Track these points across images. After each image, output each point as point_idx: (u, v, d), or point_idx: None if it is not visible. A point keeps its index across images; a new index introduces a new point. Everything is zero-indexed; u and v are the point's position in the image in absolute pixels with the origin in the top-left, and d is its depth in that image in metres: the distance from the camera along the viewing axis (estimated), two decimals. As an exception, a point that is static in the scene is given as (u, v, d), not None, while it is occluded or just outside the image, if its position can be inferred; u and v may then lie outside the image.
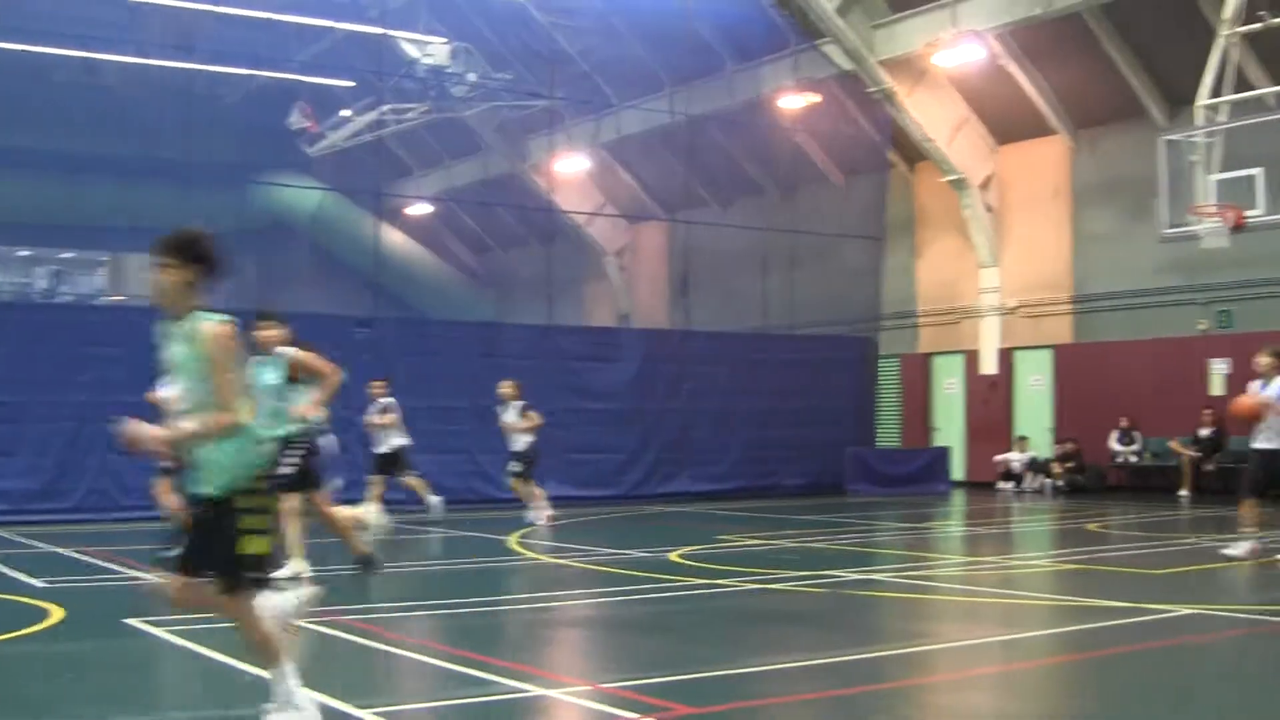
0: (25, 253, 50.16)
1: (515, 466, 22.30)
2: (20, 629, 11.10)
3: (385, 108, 34.28)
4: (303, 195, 40.98)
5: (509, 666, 9.52)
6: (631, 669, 9.65)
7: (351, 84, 37.33)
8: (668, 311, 37.24)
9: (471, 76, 35.19)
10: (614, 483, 27.38)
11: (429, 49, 34.64)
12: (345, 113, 37.76)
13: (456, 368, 25.85)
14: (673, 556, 16.82)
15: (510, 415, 22.25)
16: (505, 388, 22.35)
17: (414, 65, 34.72)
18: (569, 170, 39.13)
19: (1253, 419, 15.76)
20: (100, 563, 16.38)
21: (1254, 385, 15.93)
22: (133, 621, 11.23)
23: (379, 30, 28.86)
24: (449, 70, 35.05)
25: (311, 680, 8.59)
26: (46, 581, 14.27)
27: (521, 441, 22.16)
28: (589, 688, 8.91)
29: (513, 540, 19.15)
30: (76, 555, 17.16)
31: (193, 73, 24.60)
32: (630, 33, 34.87)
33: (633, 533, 21.38)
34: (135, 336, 22.86)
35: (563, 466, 26.48)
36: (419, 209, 44.65)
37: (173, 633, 10.69)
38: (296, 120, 37.27)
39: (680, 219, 34.00)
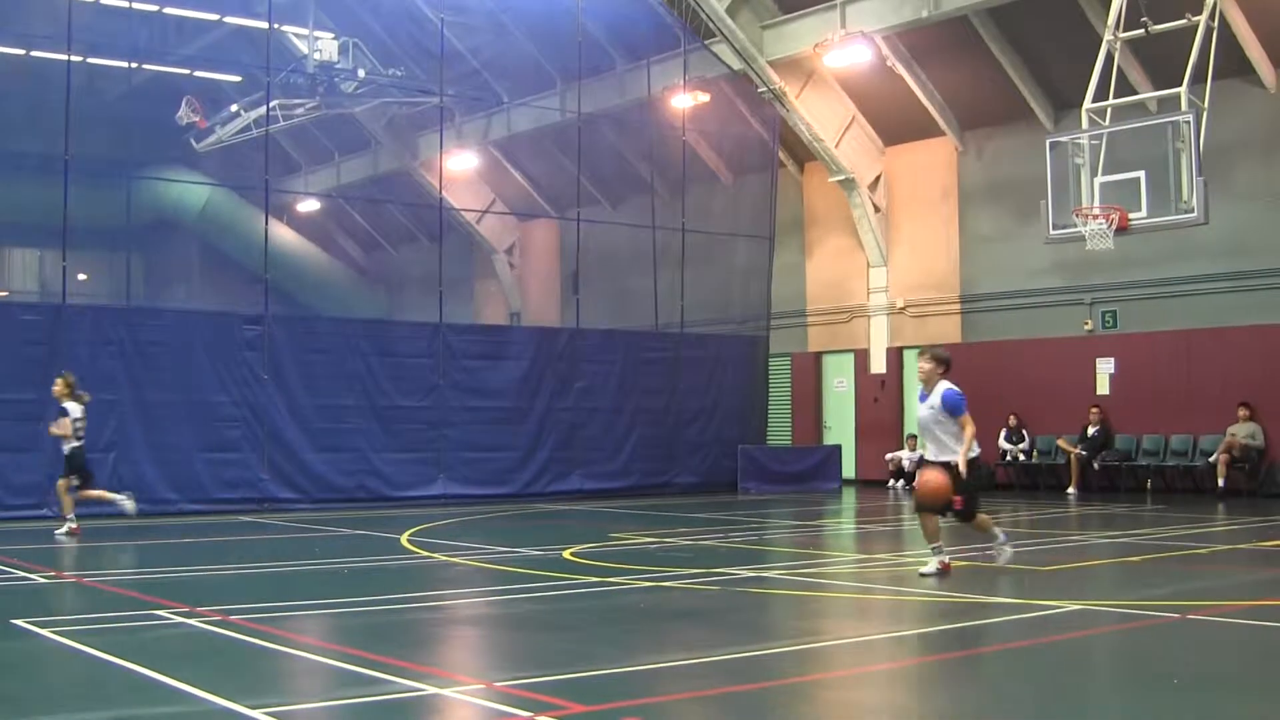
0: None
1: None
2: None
3: (274, 103, 33.98)
4: (190, 191, 40.52)
5: (402, 665, 9.47)
6: (525, 667, 9.63)
7: (239, 79, 36.98)
8: (559, 309, 37.24)
9: (361, 72, 35.01)
10: (506, 481, 27.35)
11: (318, 44, 34.40)
12: (234, 108, 37.40)
13: (346, 365, 25.74)
14: (566, 554, 16.83)
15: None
16: (58, 386, 20.05)
17: (303, 61, 34.46)
18: (459, 167, 39.00)
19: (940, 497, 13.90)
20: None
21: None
22: (20, 622, 11.08)
23: (267, 25, 28.61)
24: (338, 66, 34.84)
25: (202, 680, 8.56)
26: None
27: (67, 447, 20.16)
28: (483, 686, 8.87)
29: (404, 539, 19.08)
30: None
31: (72, 65, 24.23)
32: (520, 31, 34.83)
33: (525, 531, 21.37)
34: (23, 334, 22.71)
35: (456, 465, 26.46)
36: (308, 205, 44.33)
37: (61, 633, 10.57)
38: (184, 115, 36.88)
39: (570, 217, 34.00)
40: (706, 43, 31.29)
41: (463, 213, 39.07)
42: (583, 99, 30.60)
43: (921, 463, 14.76)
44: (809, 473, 30.87)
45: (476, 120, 38.36)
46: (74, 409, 19.76)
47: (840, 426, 33.99)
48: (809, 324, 34.48)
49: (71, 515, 19.69)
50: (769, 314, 32.46)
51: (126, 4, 30.73)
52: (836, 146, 31.34)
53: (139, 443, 23.45)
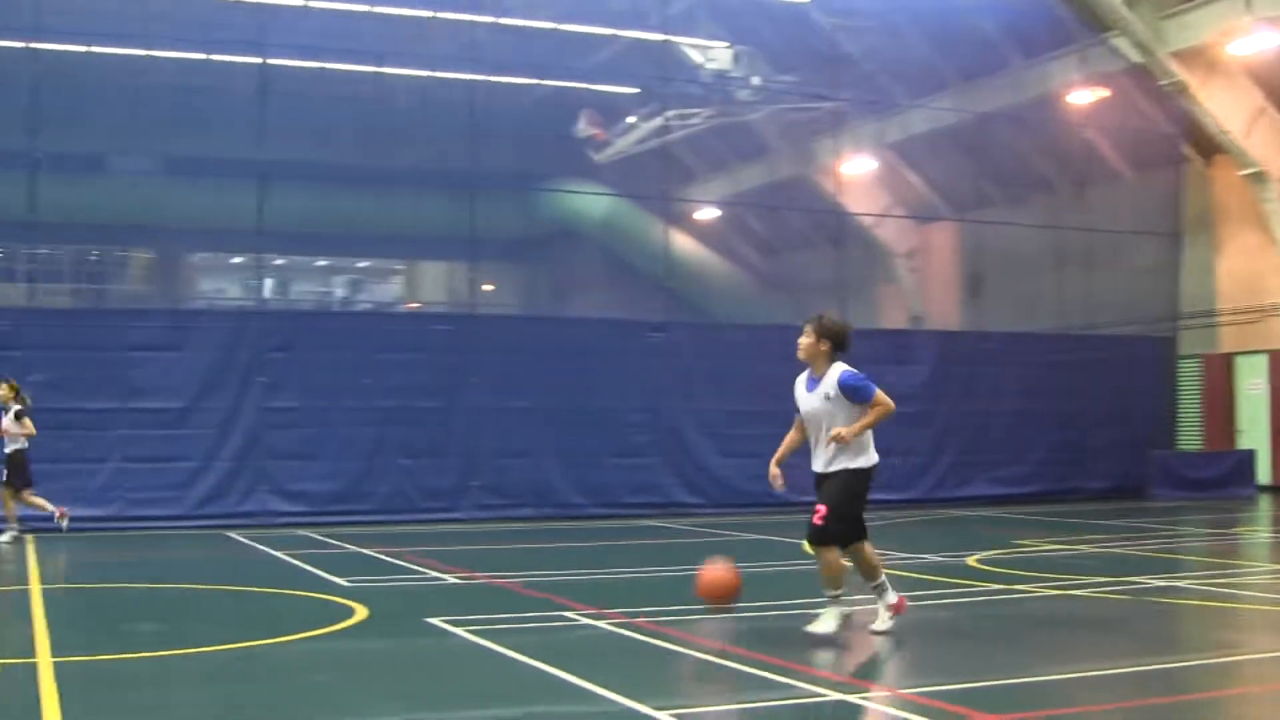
0: (324, 262, 51.73)
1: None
2: (327, 626, 11.34)
3: (670, 113, 34.37)
4: (592, 202, 41.37)
5: (805, 670, 9.35)
6: (930, 674, 9.42)
7: (635, 91, 37.55)
8: (960, 312, 36.58)
9: (755, 80, 35.08)
10: (910, 486, 26.95)
11: (711, 54, 34.65)
12: (630, 119, 38.01)
13: (750, 371, 25.72)
14: (970, 561, 16.47)
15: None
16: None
17: (697, 71, 34.76)
18: (856, 172, 38.71)
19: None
20: (401, 563, 16.70)
21: None
22: (435, 620, 11.39)
23: (661, 37, 28.94)
24: (732, 74, 35.00)
25: (608, 680, 8.59)
26: (351, 581, 14.60)
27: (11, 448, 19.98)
28: (887, 693, 8.70)
29: (808, 544, 18.94)
30: (378, 556, 17.53)
31: (477, 84, 25.00)
32: (913, 31, 34.34)
33: (929, 537, 21.01)
34: (431, 342, 23.52)
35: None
36: (706, 213, 44.72)
37: (473, 632, 10.80)
38: (584, 128, 37.66)
39: (969, 219, 33.36)
40: (1104, 36, 30.27)
41: (860, 217, 38.80)
42: (978, 98, 30.01)
43: None
44: (1222, 479, 29.49)
45: (871, 124, 38.01)
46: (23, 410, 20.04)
47: (1254, 431, 32.37)
48: (1220, 324, 32.94)
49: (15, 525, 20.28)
50: (1177, 314, 31.22)
51: (526, 23, 31.55)
52: (1245, 138, 29.88)
53: (548, 449, 23.99)
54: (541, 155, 36.41)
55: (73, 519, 20.13)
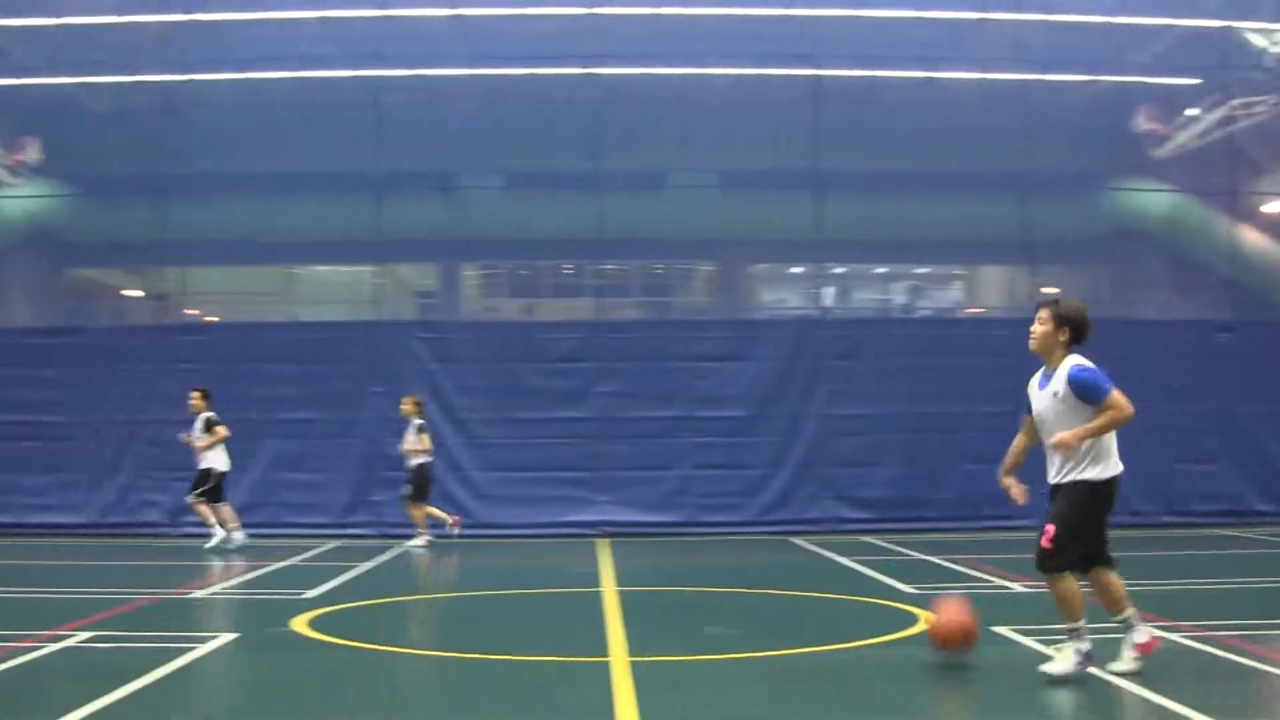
0: (882, 270, 51.95)
1: (405, 489, 21.21)
2: (891, 633, 11.46)
3: (1234, 102, 32.91)
4: (1152, 199, 40.05)
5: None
6: None
7: (1195, 81, 36.14)
8: None
9: (1323, 63, 33.18)
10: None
11: (1276, 37, 32.98)
12: (1191, 111, 36.59)
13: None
14: None
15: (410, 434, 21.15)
16: (405, 404, 21.33)
17: (1261, 55, 33.16)
18: None
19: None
20: (966, 570, 16.66)
21: None
22: (1001, 630, 11.33)
23: (1220, 23, 27.75)
24: (1298, 59, 33.24)
25: (1178, 695, 8.36)
26: (916, 588, 14.67)
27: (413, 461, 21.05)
28: None
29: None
30: (942, 563, 17.54)
31: (1029, 84, 24.63)
32: None
33: None
34: (995, 348, 23.30)
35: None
36: (1276, 207, 42.55)
37: (1040, 641, 10.69)
38: (1142, 123, 36.53)
39: None
40: None
41: None
42: None
43: None
44: None
45: None
46: (425, 426, 21.13)
47: None
48: None
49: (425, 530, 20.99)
50: None
51: (1077, 18, 30.85)
52: None
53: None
54: (1098, 153, 35.47)
55: (643, 524, 21.06)
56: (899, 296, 51.14)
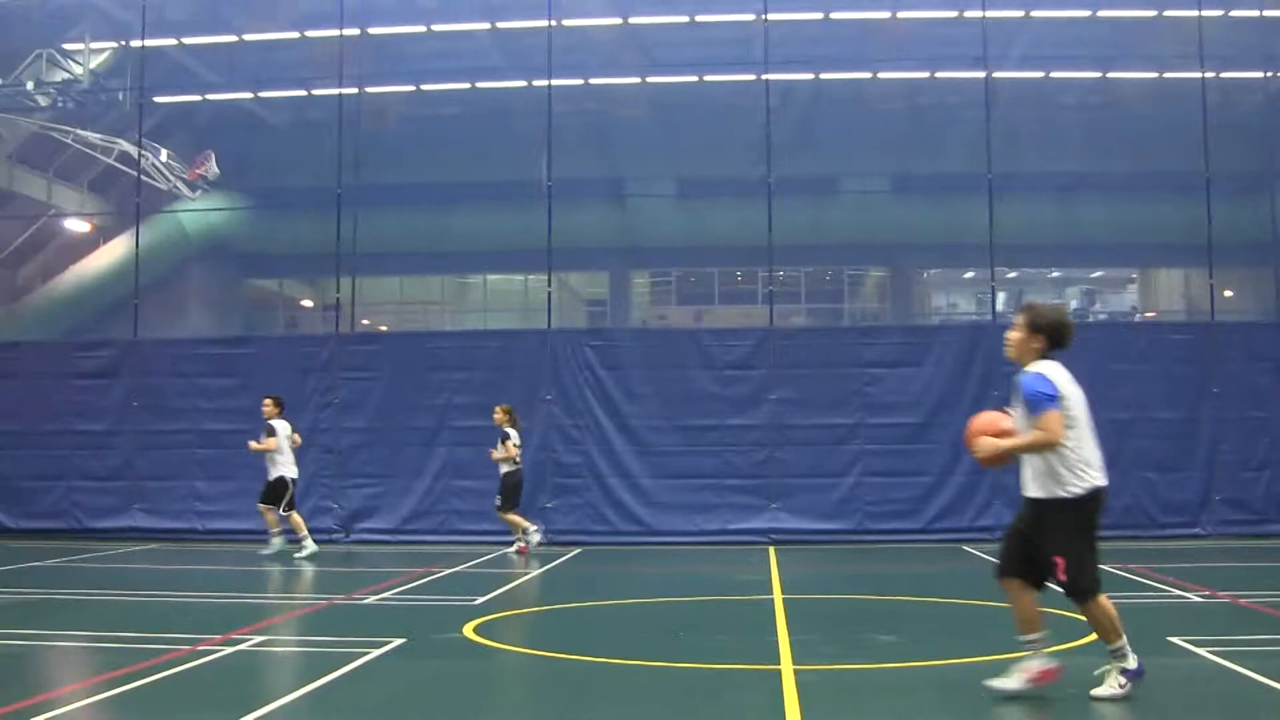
0: (1056, 274, 51.26)
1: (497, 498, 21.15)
2: (1066, 643, 11.25)
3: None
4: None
5: None
6: None
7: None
8: None
9: None
10: None
11: None
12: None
13: None
14: None
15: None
16: (496, 414, 21.33)
17: None
18: None
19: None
20: (1141, 579, 16.34)
21: None
22: (1176, 640, 11.09)
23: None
24: None
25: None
26: (1087, 598, 14.40)
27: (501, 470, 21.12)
28: None
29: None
30: (1117, 571, 17.22)
31: (1208, 82, 24.09)
32: None
33: None
34: (1171, 353, 22.80)
35: None
36: None
37: (1216, 653, 10.46)
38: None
39: None
40: None
41: None
42: None
43: None
44: None
45: None
46: (514, 435, 21.02)
47: None
48: None
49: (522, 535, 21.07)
50: None
51: (1259, 14, 30.14)
52: None
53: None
54: (1278, 152, 34.71)
55: (813, 532, 20.95)
56: (1073, 301, 50.38)
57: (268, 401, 21.02)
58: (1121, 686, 8.91)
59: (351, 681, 9.97)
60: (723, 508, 22.78)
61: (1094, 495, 8.95)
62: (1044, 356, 9.19)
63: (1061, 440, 8.82)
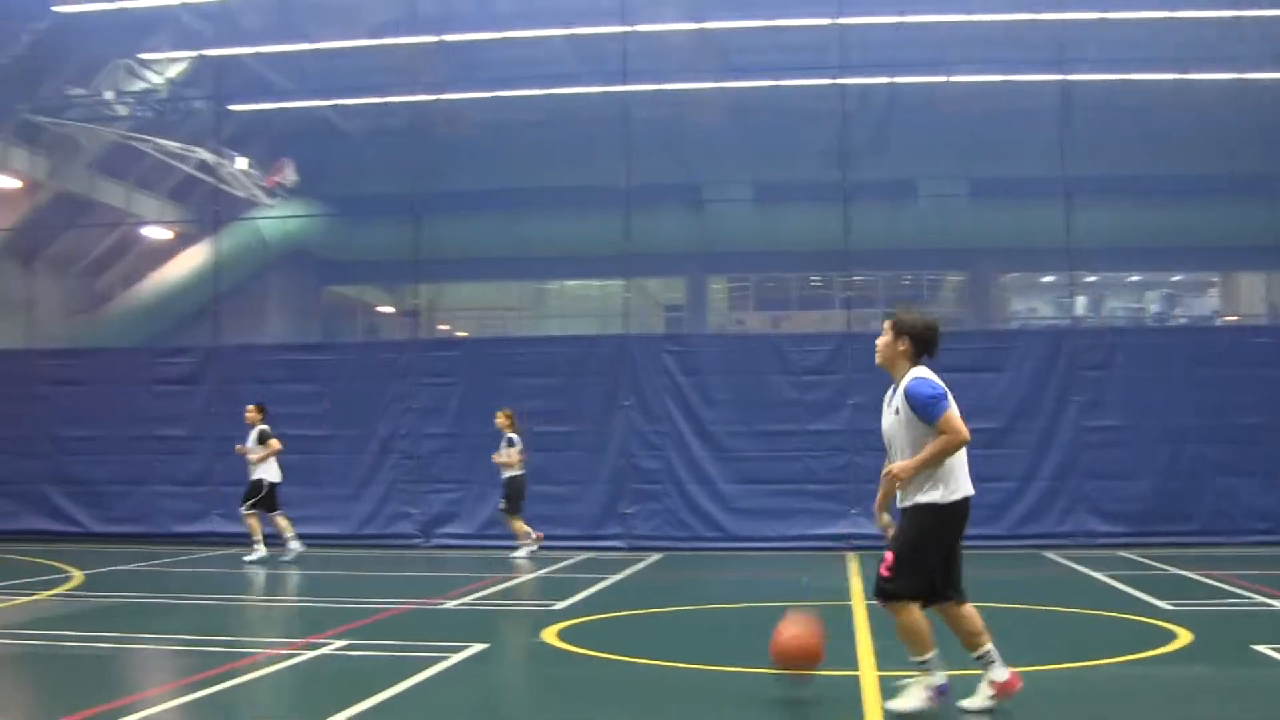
0: (1135, 278, 50.87)
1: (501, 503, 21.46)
2: (1147, 650, 11.17)
3: None
4: None
5: None
6: None
7: None
8: None
9: None
10: None
11: None
12: None
13: None
14: None
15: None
16: (498, 418, 21.60)
17: None
18: None
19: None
20: (1226, 586, 16.17)
21: None
22: (1262, 648, 10.97)
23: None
24: None
25: None
26: (1173, 604, 14.29)
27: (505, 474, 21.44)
28: None
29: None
30: (1200, 578, 17.06)
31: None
32: None
33: None
34: (1253, 357, 22.54)
35: None
36: None
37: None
38: None
39: None
40: None
41: None
42: None
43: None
44: None
45: None
46: (517, 440, 21.30)
47: None
48: None
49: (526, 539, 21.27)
50: None
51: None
52: None
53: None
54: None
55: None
56: (1153, 304, 49.99)
57: (251, 409, 21.48)
58: (928, 700, 8.66)
59: (434, 686, 10.03)
60: (802, 513, 22.71)
61: (962, 504, 8.81)
62: (916, 363, 9.06)
63: (968, 436, 8.67)
